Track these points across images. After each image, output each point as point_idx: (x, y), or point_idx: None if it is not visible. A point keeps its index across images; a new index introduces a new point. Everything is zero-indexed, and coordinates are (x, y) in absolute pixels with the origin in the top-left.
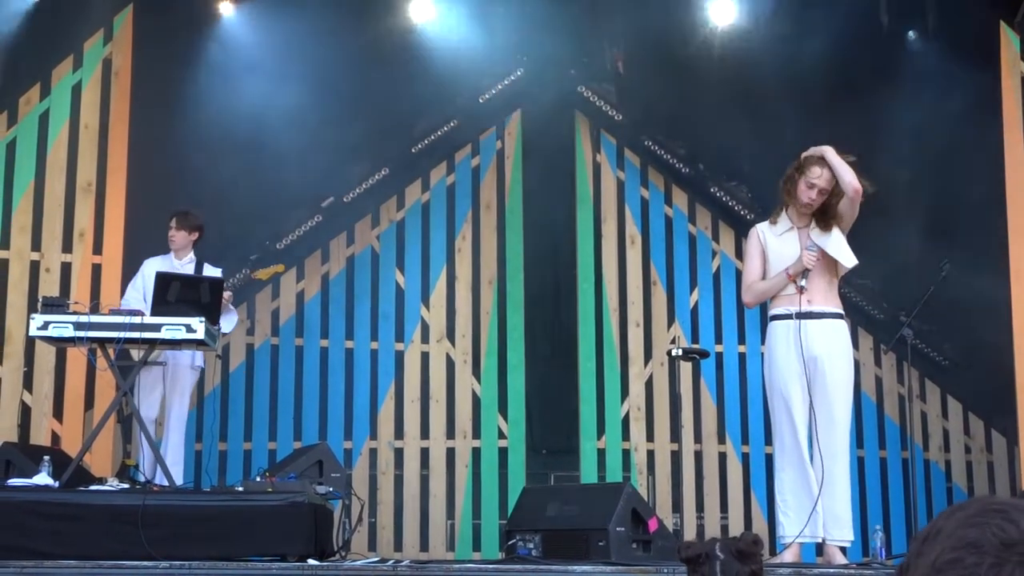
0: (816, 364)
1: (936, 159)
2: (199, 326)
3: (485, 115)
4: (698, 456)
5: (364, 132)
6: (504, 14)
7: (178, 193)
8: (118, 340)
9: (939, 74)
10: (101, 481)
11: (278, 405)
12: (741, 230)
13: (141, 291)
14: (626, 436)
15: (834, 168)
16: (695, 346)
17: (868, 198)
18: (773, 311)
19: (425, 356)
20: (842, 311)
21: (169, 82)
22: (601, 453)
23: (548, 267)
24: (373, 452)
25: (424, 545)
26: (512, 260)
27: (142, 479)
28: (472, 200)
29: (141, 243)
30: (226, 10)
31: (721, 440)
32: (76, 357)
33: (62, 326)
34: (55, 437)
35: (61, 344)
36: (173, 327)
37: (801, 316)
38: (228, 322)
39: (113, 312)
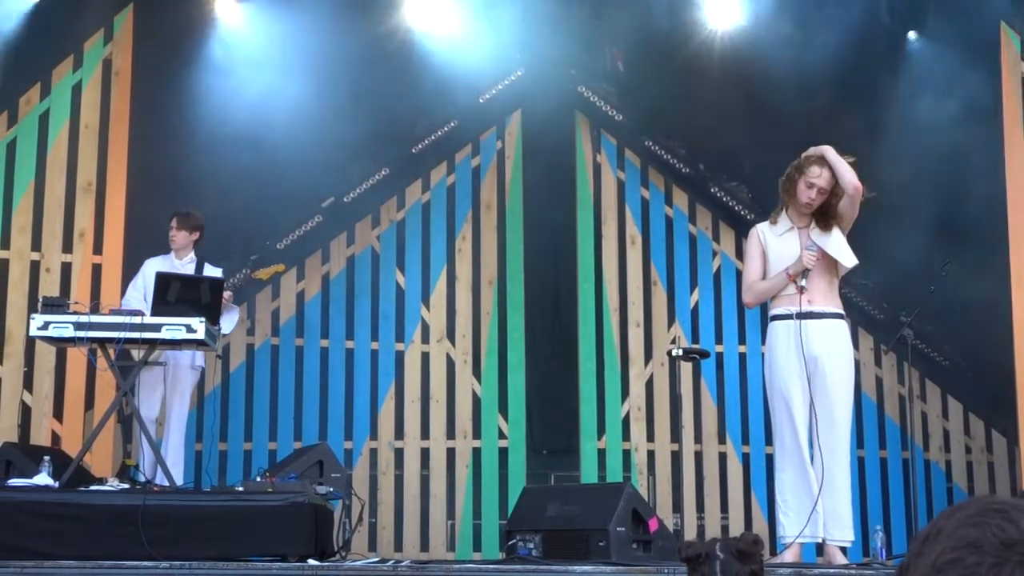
0: (816, 364)
1: (937, 159)
2: (199, 326)
3: (485, 115)
4: (698, 456)
5: (364, 132)
6: (504, 14)
7: (178, 193)
8: (118, 340)
9: (940, 74)
10: (101, 481)
11: (278, 405)
12: (741, 230)
13: (142, 291)
14: (626, 436)
15: (834, 167)
16: (695, 346)
17: (868, 199)
18: (773, 311)
19: (425, 356)
20: (842, 311)
21: (169, 82)
22: (601, 453)
23: (548, 267)
24: (373, 452)
25: (424, 545)
26: (512, 260)
27: (142, 479)
28: (472, 200)
29: (141, 243)
30: (226, 10)
31: (721, 440)
32: (76, 357)
33: (62, 326)
34: (55, 437)
35: (61, 344)
36: (173, 327)
37: (801, 316)
38: (229, 321)
39: (113, 312)
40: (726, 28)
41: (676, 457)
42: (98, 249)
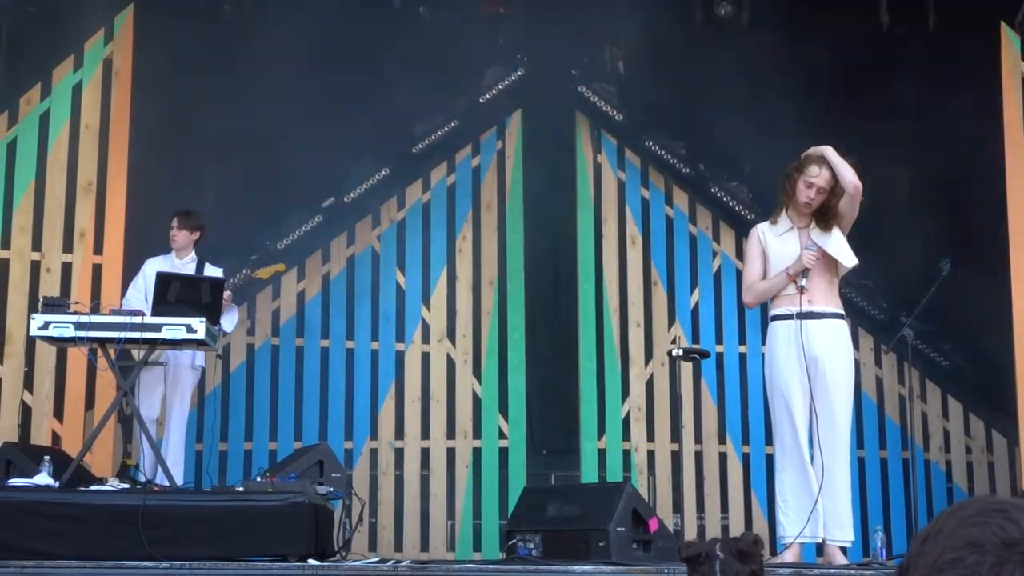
0: (817, 364)
1: (936, 159)
2: (199, 326)
3: (486, 115)
4: (699, 456)
5: (365, 132)
6: (505, 14)
7: (178, 193)
8: (119, 340)
9: (940, 74)
10: (102, 481)
11: (279, 405)
12: (742, 230)
13: (142, 291)
14: (627, 436)
15: (834, 166)
16: (696, 346)
17: (868, 198)
18: (774, 311)
19: (426, 356)
20: (843, 311)
21: (170, 82)
22: (601, 453)
23: (549, 267)
24: (374, 452)
25: (424, 545)
26: (513, 260)
27: (143, 479)
28: (473, 200)
29: (141, 243)
30: (226, 10)
31: (722, 440)
32: (77, 357)
33: (63, 326)
34: (55, 437)
35: (62, 344)
36: (173, 327)
37: (802, 316)
38: (229, 321)
39: (113, 312)
40: (727, 28)
41: (676, 457)
42: (98, 249)
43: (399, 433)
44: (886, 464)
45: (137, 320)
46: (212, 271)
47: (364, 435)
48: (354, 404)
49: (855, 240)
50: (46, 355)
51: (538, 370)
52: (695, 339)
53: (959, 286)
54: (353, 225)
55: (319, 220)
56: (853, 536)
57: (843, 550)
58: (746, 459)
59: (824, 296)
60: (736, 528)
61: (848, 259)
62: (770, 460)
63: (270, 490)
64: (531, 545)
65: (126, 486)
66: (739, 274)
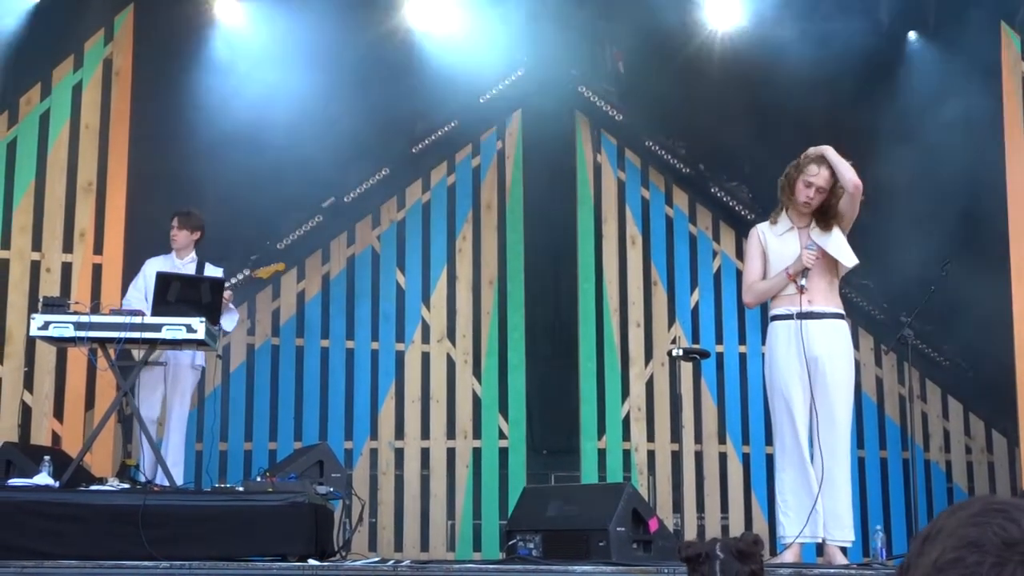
0: (817, 364)
1: (937, 159)
2: (199, 326)
3: (486, 115)
4: (699, 456)
5: (365, 132)
6: (505, 14)
7: (178, 193)
8: (118, 340)
9: (940, 75)
10: (102, 481)
11: (279, 405)
12: (742, 230)
13: (143, 291)
14: (627, 436)
15: (834, 165)
16: (696, 346)
17: (868, 198)
18: (774, 311)
19: (426, 356)
20: (843, 311)
21: (170, 82)
22: (602, 453)
23: (549, 267)
24: (374, 452)
25: (424, 545)
26: (513, 260)
27: (143, 479)
28: (473, 200)
29: (141, 243)
30: (227, 11)
31: (722, 440)
32: (77, 357)
33: (63, 326)
34: (55, 437)
35: (62, 344)
36: (173, 327)
37: (802, 316)
38: (229, 321)
39: (113, 312)
40: (727, 28)
41: (676, 457)
42: (98, 249)
43: (399, 433)
44: (886, 464)
45: (137, 320)
46: (212, 271)
47: (364, 435)
48: (354, 404)
49: (855, 240)
50: (46, 355)
51: (538, 370)
52: (695, 339)
53: (959, 286)
54: (353, 225)
55: (319, 220)
56: (853, 536)
57: (843, 550)
58: (746, 459)
59: (824, 296)
60: (736, 528)
61: (848, 259)
62: (770, 460)
63: (270, 490)
64: (531, 545)
65: (126, 486)
66: (739, 274)
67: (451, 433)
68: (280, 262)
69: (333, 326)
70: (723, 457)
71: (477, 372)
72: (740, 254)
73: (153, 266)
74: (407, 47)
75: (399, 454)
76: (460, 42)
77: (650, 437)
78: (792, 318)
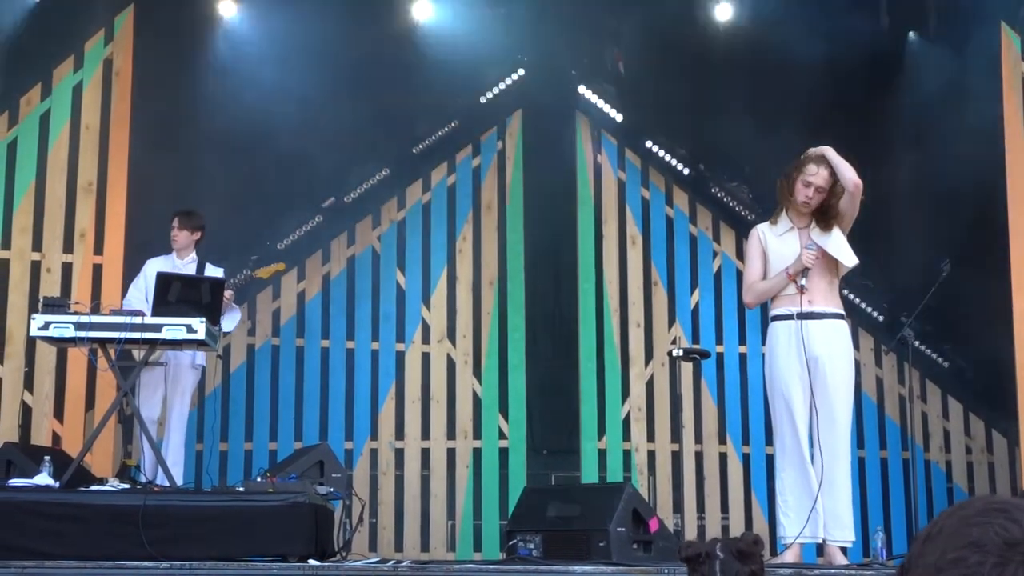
0: (817, 364)
1: (937, 159)
2: (200, 326)
3: (486, 115)
4: (699, 456)
5: (365, 132)
6: (505, 14)
7: (179, 193)
8: (119, 340)
9: (940, 75)
10: (102, 481)
11: (279, 405)
12: (742, 231)
13: (143, 291)
14: (627, 436)
15: (834, 165)
16: (696, 346)
17: (868, 199)
18: (774, 311)
19: (426, 356)
20: (843, 311)
21: (170, 82)
22: (602, 453)
23: (549, 267)
24: (374, 452)
25: (425, 545)
26: (513, 260)
27: (143, 479)
28: (473, 200)
29: (142, 243)
30: (227, 10)
31: (722, 440)
32: (77, 357)
33: (63, 326)
34: (56, 437)
35: (62, 344)
36: (174, 327)
37: (802, 316)
38: (231, 320)
39: (114, 312)
40: (727, 28)
41: (676, 457)
42: (99, 249)
43: (399, 433)
44: (886, 464)
45: (137, 320)
46: (213, 271)
47: (364, 435)
48: (354, 404)
49: (855, 240)
50: (46, 355)
51: (538, 370)
52: (695, 339)
53: (959, 286)
54: (353, 225)
55: (319, 220)
56: (854, 536)
57: (843, 550)
58: (746, 459)
59: (824, 296)
60: (736, 528)
61: (848, 259)
62: (770, 460)
63: (270, 490)
64: (531, 545)
65: (126, 486)
66: (739, 274)
67: (451, 433)
68: (280, 262)
69: (333, 326)
70: (723, 457)
71: (477, 372)
72: (740, 254)
73: (154, 266)
74: (407, 47)
75: (399, 454)
76: (461, 42)
77: (650, 437)
78: (792, 318)
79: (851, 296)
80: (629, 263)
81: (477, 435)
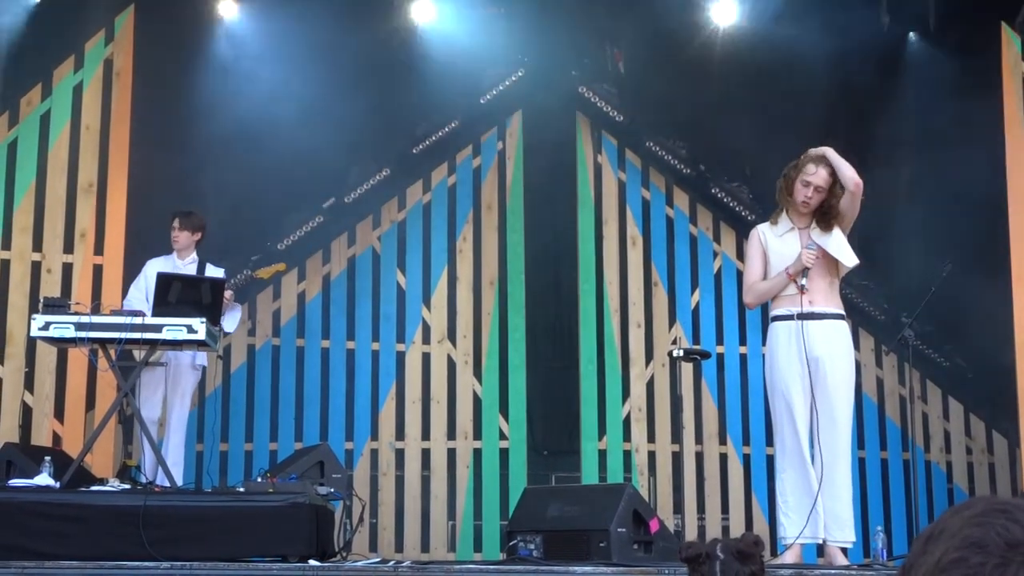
0: (817, 365)
1: (937, 160)
2: (200, 327)
3: (486, 116)
4: (699, 457)
5: (365, 132)
6: (505, 15)
7: (179, 193)
8: (119, 341)
9: (940, 75)
10: (102, 482)
11: (279, 406)
12: (742, 231)
13: (144, 291)
14: (627, 437)
15: (835, 164)
16: (696, 347)
17: (868, 199)
18: (774, 312)
19: (426, 357)
20: (843, 312)
21: (170, 83)
22: (602, 454)
23: (549, 268)
24: (374, 453)
25: (425, 546)
26: (513, 261)
27: (143, 480)
28: (473, 201)
29: (142, 243)
30: (227, 11)
31: (722, 441)
32: (77, 358)
33: (63, 327)
34: (56, 438)
35: (62, 345)
36: (174, 328)
37: (802, 317)
38: (232, 320)
39: (114, 313)
40: (727, 29)
41: (677, 458)
42: (99, 250)
43: (400, 434)
44: (887, 465)
45: (138, 321)
46: (213, 271)
47: (365, 436)
48: (355, 405)
49: (856, 241)
50: (47, 356)
51: (539, 371)
52: (696, 340)
53: (960, 287)
54: (354, 225)
55: (320, 220)
56: (854, 537)
57: (844, 551)
58: (747, 460)
59: (825, 296)
60: (737, 529)
61: (849, 259)
62: (771, 461)
63: (271, 491)
64: (532, 546)
65: (127, 487)
66: (740, 275)
67: (452, 434)
68: (281, 262)
69: (334, 327)
70: (724, 458)
71: (478, 373)
72: (741, 255)
73: (154, 267)
74: (408, 47)
75: (400, 455)
76: (461, 42)
77: (651, 438)
78: (793, 319)
79: (852, 296)
80: (629, 263)
81: (477, 435)
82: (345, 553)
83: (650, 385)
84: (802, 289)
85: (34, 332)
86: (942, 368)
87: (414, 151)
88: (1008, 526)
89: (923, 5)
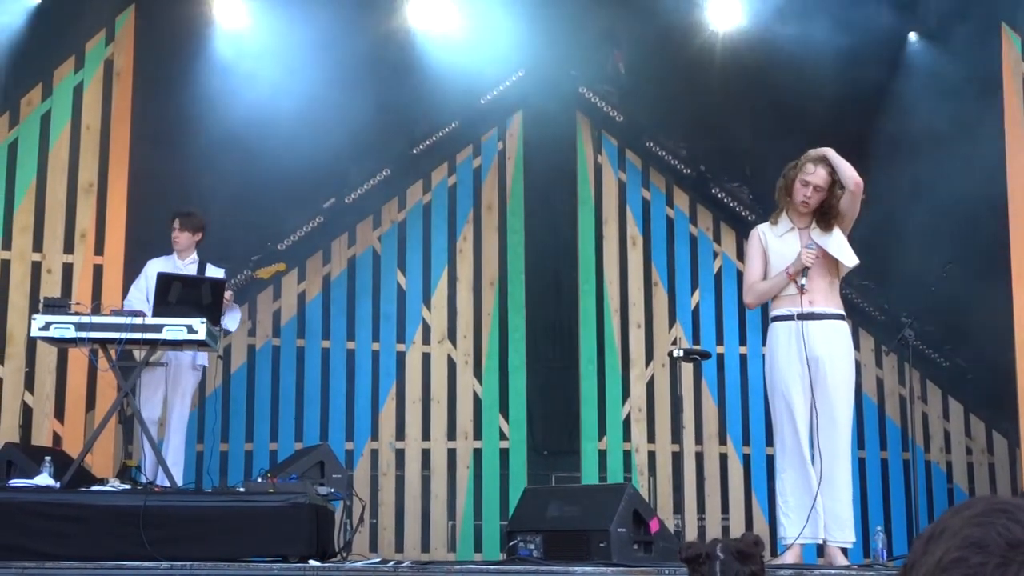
0: (817, 365)
1: (938, 160)
2: (200, 327)
3: (486, 116)
4: (699, 457)
5: (366, 133)
6: (505, 15)
7: (179, 194)
8: (119, 341)
9: (940, 75)
10: (102, 482)
11: (279, 406)
12: (742, 231)
13: (144, 291)
14: (627, 437)
15: (835, 164)
16: (696, 347)
17: (868, 199)
18: (774, 312)
19: (426, 357)
20: (843, 312)
21: (171, 83)
22: (602, 454)
23: (549, 268)
24: (374, 453)
25: (425, 546)
26: (513, 261)
27: (143, 480)
28: (473, 201)
29: (142, 244)
30: (227, 11)
31: (722, 441)
32: (77, 358)
33: (63, 327)
34: (56, 438)
35: (62, 345)
36: (174, 328)
37: (803, 317)
38: (232, 320)
39: (114, 313)
40: (727, 29)
41: (677, 458)
42: (99, 250)
43: (400, 434)
44: (887, 465)
45: (138, 321)
46: (214, 272)
47: (365, 436)
48: (355, 405)
49: (856, 241)
50: (47, 356)
51: (539, 371)
52: (696, 340)
53: (960, 287)
54: (354, 226)
55: (320, 221)
56: (854, 537)
57: (844, 551)
58: (747, 460)
59: (825, 297)
60: (737, 529)
61: (849, 259)
62: (771, 461)
63: (271, 491)
64: (532, 546)
65: (127, 487)
66: (740, 275)
67: (452, 434)
68: (281, 263)
69: (334, 327)
70: (724, 458)
71: (478, 373)
72: (741, 255)
73: (154, 267)
74: (408, 48)
75: (400, 455)
76: (461, 43)
77: (651, 438)
78: (793, 319)
79: (852, 296)
80: (629, 264)
81: (478, 436)
82: (345, 553)
83: (650, 385)
84: (802, 289)
85: (34, 332)
86: (942, 368)
87: (414, 151)
88: (1009, 526)
89: (923, 5)
